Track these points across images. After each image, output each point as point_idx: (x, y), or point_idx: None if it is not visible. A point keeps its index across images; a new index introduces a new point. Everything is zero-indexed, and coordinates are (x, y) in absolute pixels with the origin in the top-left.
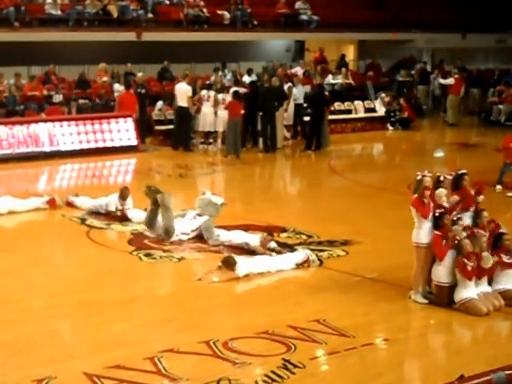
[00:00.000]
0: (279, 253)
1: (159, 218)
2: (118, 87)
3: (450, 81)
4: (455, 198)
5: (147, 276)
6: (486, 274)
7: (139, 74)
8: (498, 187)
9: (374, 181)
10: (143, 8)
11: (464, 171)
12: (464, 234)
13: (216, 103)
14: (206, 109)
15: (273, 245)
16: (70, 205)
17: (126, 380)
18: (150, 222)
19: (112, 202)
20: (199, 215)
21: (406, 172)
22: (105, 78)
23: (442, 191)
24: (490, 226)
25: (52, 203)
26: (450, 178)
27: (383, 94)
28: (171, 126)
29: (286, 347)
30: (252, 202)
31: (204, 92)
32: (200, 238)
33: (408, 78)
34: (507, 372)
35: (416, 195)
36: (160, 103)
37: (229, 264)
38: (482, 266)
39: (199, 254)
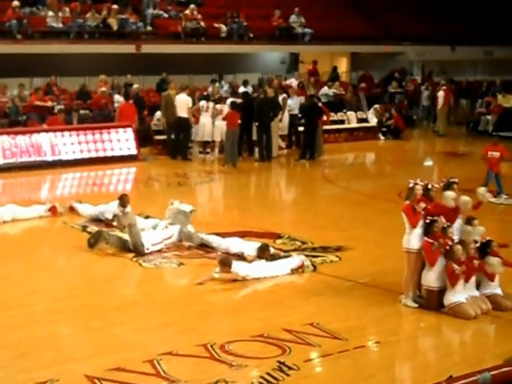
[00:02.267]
0: (277, 256)
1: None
2: (118, 98)
3: (441, 94)
4: (422, 205)
5: (147, 281)
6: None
7: (134, 86)
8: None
9: (366, 189)
10: (142, 21)
11: (455, 180)
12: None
13: (214, 114)
14: (205, 119)
15: (271, 251)
16: (72, 210)
17: (126, 382)
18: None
19: (110, 209)
20: (170, 224)
21: (397, 180)
22: (103, 89)
23: (449, 194)
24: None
25: (53, 211)
26: (437, 186)
27: (376, 106)
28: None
29: (281, 350)
30: (248, 209)
31: (203, 103)
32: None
33: (399, 89)
34: (492, 372)
35: (408, 202)
36: (158, 113)
37: (225, 263)
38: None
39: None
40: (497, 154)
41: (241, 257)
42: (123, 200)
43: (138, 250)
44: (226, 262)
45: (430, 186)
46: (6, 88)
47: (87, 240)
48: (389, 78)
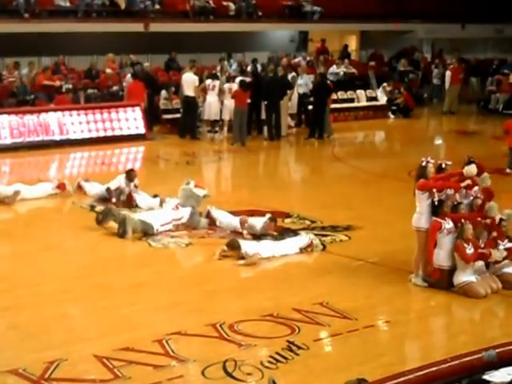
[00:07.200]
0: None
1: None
2: (129, 78)
3: (448, 74)
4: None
5: (156, 261)
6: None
7: (146, 65)
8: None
9: (375, 167)
10: None
11: (474, 160)
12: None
13: (221, 92)
14: (211, 98)
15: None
16: (79, 188)
17: (135, 361)
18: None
19: (116, 182)
20: (181, 205)
21: (407, 159)
22: (108, 70)
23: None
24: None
25: (62, 187)
26: (450, 163)
27: (385, 84)
28: (178, 115)
29: (290, 329)
30: (257, 188)
31: (209, 81)
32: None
33: (409, 67)
34: (498, 350)
35: (423, 180)
36: (164, 92)
37: (233, 247)
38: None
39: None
40: None
41: (251, 234)
42: (130, 175)
43: (147, 233)
44: (233, 244)
45: (443, 165)
46: (14, 67)
47: (95, 216)
48: (398, 56)
